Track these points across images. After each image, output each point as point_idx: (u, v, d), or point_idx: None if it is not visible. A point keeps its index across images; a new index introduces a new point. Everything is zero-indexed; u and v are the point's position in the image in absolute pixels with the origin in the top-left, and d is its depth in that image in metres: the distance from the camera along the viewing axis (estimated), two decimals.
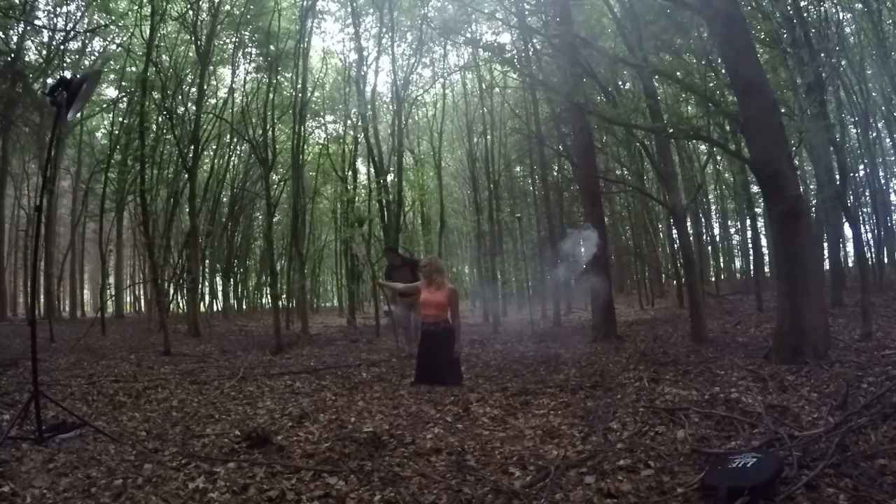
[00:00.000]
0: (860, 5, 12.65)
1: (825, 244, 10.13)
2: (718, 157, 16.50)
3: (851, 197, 13.50)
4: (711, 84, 6.19)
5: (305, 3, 13.51)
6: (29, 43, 15.22)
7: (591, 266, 7.93)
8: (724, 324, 8.78)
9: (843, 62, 11.53)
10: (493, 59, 8.14)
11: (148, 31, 10.16)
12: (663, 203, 8.43)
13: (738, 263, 25.68)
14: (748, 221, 17.40)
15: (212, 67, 15.14)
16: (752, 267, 16.67)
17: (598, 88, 8.25)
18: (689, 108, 11.75)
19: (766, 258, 18.33)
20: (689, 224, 8.62)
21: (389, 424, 3.61)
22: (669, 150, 8.97)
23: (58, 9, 15.68)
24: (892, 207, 17.05)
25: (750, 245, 18.11)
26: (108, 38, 16.42)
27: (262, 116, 12.27)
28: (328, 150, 16.56)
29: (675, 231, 11.15)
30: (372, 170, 14.86)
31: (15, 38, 14.18)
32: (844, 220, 9.90)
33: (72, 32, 15.20)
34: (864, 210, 17.12)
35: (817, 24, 8.39)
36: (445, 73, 16.70)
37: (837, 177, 8.61)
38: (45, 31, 15.05)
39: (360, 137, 15.04)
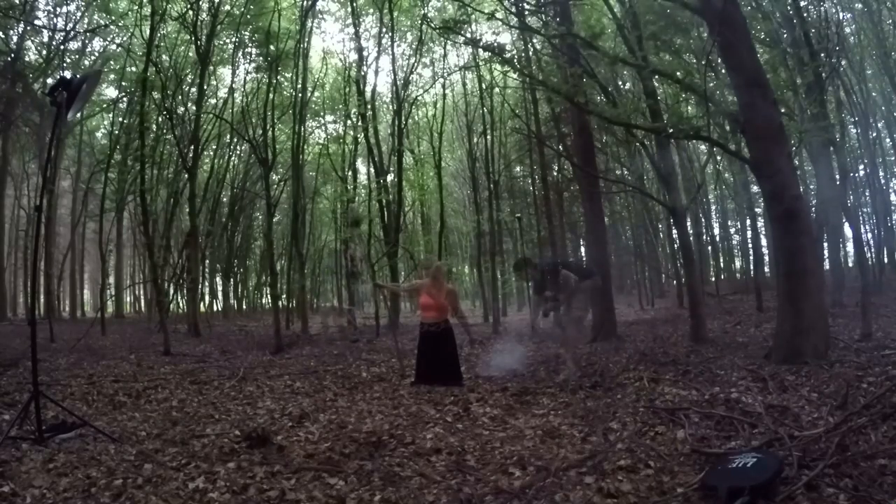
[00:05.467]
0: (860, 5, 12.65)
1: (825, 244, 10.13)
2: (718, 157, 16.51)
3: (851, 197, 13.50)
4: (711, 84, 6.18)
5: (305, 3, 13.51)
6: (29, 43, 15.25)
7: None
8: (724, 324, 8.78)
9: (843, 62, 11.52)
10: (493, 59, 8.12)
11: (148, 31, 10.16)
12: (663, 203, 8.43)
13: (738, 263, 25.68)
14: (748, 221, 17.41)
15: (212, 67, 15.12)
16: (752, 267, 16.68)
17: (598, 88, 8.25)
18: (689, 108, 11.75)
19: (766, 258, 18.33)
20: (689, 224, 8.61)
21: (389, 424, 3.61)
22: (669, 150, 8.97)
23: (58, 9, 15.70)
24: (892, 207, 17.06)
25: (750, 245, 18.13)
26: (108, 38, 16.44)
27: (262, 116, 12.27)
28: (328, 150, 16.55)
29: (675, 231, 11.15)
30: (372, 170, 14.87)
31: (15, 38, 14.19)
32: (844, 220, 9.91)
33: (72, 32, 15.21)
34: (864, 210, 17.13)
35: (817, 24, 8.39)
36: (445, 73, 16.70)
37: (837, 177, 8.61)
38: (45, 31, 15.07)
39: (360, 137, 15.04)
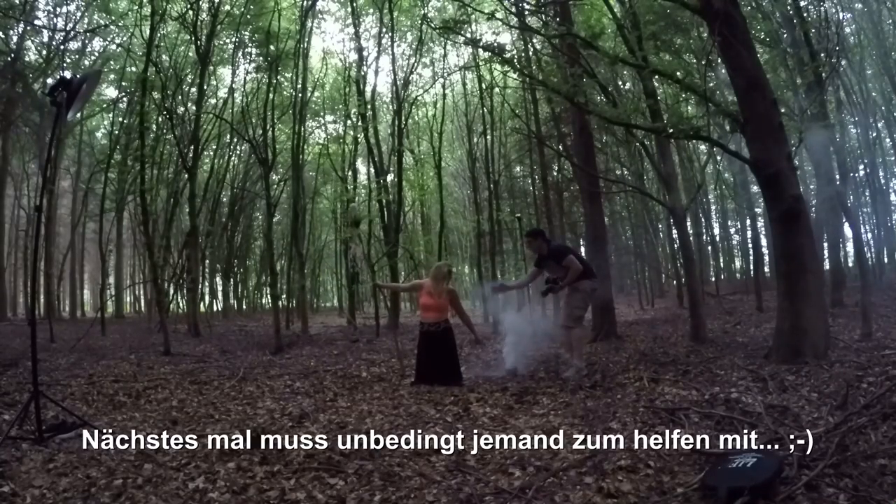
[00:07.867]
0: (860, 5, 12.66)
1: (825, 244, 10.13)
2: (718, 157, 16.54)
3: (851, 197, 13.50)
4: (711, 84, 6.18)
5: (305, 3, 13.51)
6: (29, 43, 15.27)
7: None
8: (724, 324, 8.78)
9: (843, 62, 11.52)
10: (493, 59, 8.12)
11: (148, 31, 10.16)
12: (663, 203, 8.42)
13: (738, 263, 25.69)
14: (748, 221, 17.41)
15: (212, 67, 15.13)
16: (752, 267, 16.68)
17: (598, 88, 8.25)
18: (689, 108, 11.76)
19: (766, 258, 18.34)
20: (689, 224, 8.61)
21: (389, 424, 3.60)
22: (669, 150, 8.97)
23: (58, 9, 15.72)
24: (892, 207, 17.08)
25: (750, 245, 18.12)
26: (108, 38, 16.45)
27: (262, 116, 12.28)
28: (328, 150, 16.56)
29: (675, 231, 11.15)
30: (372, 170, 14.88)
31: (15, 38, 14.19)
32: (844, 220, 9.90)
33: (72, 32, 15.22)
34: (864, 210, 17.14)
35: (817, 24, 8.39)
36: (445, 73, 16.70)
37: (837, 177, 8.61)
38: (45, 31, 15.08)
39: (360, 137, 15.05)
